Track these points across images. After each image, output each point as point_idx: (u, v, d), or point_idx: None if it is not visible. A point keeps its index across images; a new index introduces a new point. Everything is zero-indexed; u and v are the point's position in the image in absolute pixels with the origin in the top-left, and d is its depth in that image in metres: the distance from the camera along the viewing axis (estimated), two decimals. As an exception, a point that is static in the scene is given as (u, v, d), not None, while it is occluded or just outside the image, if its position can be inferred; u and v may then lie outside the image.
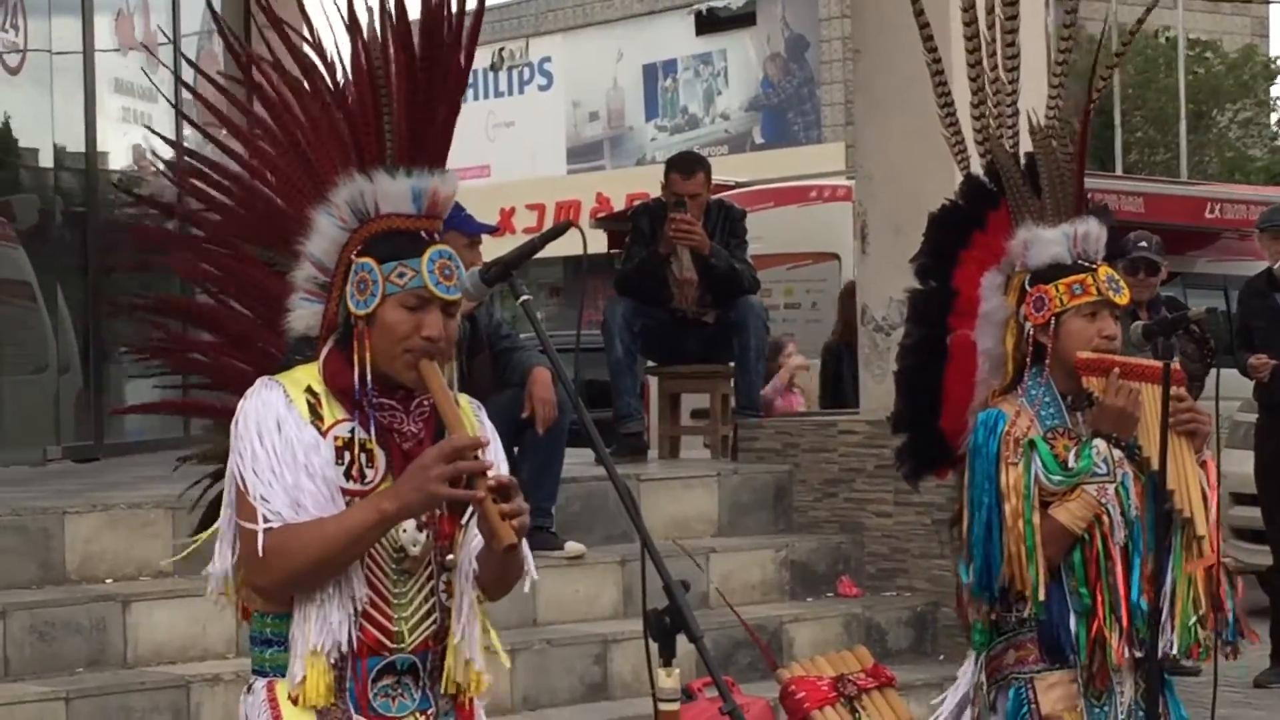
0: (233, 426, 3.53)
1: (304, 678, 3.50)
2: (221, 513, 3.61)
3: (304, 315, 3.64)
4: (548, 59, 36.35)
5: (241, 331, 3.85)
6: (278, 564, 3.45)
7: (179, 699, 6.90)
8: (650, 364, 10.68)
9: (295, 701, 3.52)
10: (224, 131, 3.96)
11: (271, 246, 3.77)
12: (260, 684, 3.59)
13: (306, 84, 3.74)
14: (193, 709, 6.88)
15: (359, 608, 3.51)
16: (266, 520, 3.45)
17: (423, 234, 3.58)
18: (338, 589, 3.50)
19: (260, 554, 3.45)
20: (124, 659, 7.17)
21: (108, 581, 7.46)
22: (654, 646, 3.51)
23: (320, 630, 3.49)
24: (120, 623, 7.17)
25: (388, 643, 3.55)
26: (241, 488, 3.49)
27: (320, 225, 3.60)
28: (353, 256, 3.56)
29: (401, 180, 3.57)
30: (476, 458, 3.42)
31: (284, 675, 3.55)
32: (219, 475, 3.85)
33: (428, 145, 3.66)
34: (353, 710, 3.54)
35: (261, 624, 3.60)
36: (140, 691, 6.87)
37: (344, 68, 3.73)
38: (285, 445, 3.48)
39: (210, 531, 3.75)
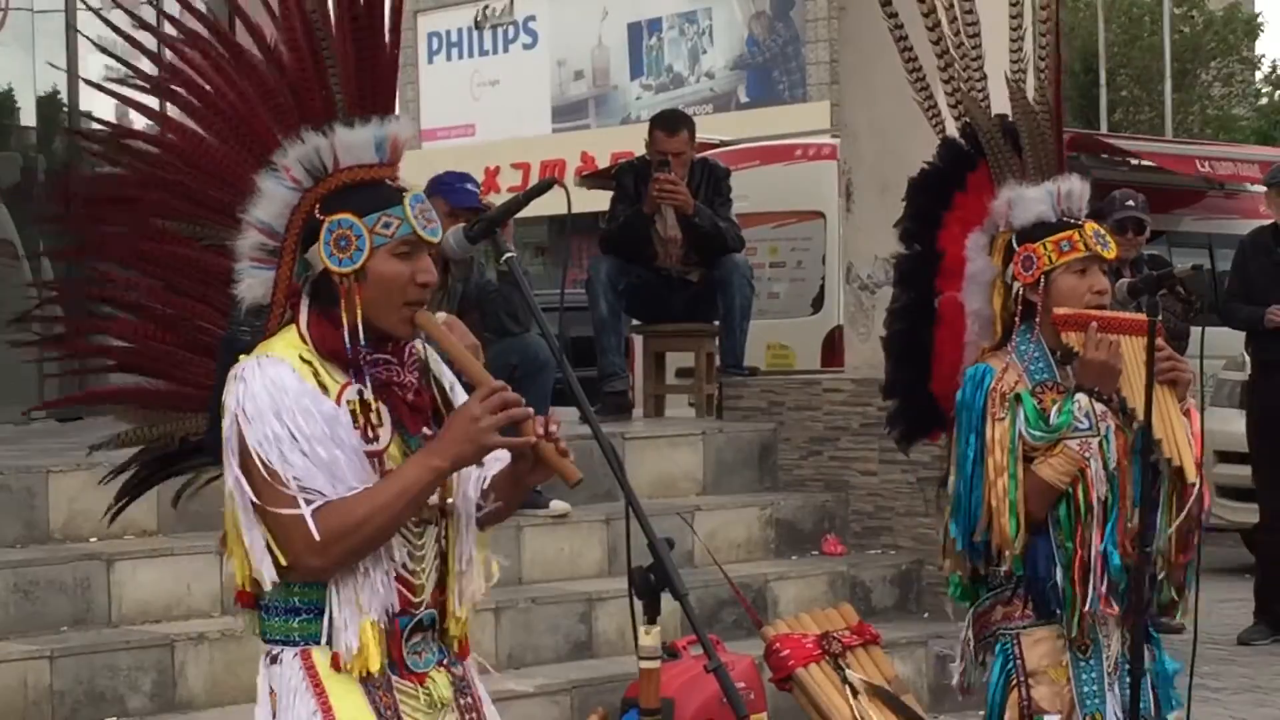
0: (233, 413, 3.38)
1: (360, 646, 3.39)
2: (235, 516, 3.43)
3: (253, 284, 3.51)
4: (532, 17, 36.13)
5: (171, 312, 3.73)
6: (336, 543, 3.34)
7: (163, 658, 6.89)
8: (635, 322, 10.67)
9: (337, 669, 3.42)
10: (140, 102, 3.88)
11: (198, 221, 3.66)
12: (290, 654, 3.46)
13: (229, 55, 3.62)
14: (177, 667, 6.88)
15: (397, 569, 3.45)
16: (309, 502, 3.32)
17: (388, 182, 3.50)
18: (379, 552, 3.42)
19: (316, 537, 3.32)
20: (108, 618, 7.16)
21: (92, 540, 7.43)
22: (638, 605, 3.50)
23: (370, 597, 3.41)
24: (104, 581, 7.16)
25: (413, 598, 3.49)
26: (265, 475, 3.34)
27: (266, 189, 3.48)
28: (317, 215, 3.46)
29: (361, 130, 3.47)
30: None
31: (318, 643, 3.44)
32: (139, 457, 3.85)
33: (377, 92, 3.58)
34: (390, 672, 3.47)
35: (287, 593, 3.44)
36: (125, 650, 6.86)
37: (274, 30, 3.61)
38: (311, 421, 3.36)
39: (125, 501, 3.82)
